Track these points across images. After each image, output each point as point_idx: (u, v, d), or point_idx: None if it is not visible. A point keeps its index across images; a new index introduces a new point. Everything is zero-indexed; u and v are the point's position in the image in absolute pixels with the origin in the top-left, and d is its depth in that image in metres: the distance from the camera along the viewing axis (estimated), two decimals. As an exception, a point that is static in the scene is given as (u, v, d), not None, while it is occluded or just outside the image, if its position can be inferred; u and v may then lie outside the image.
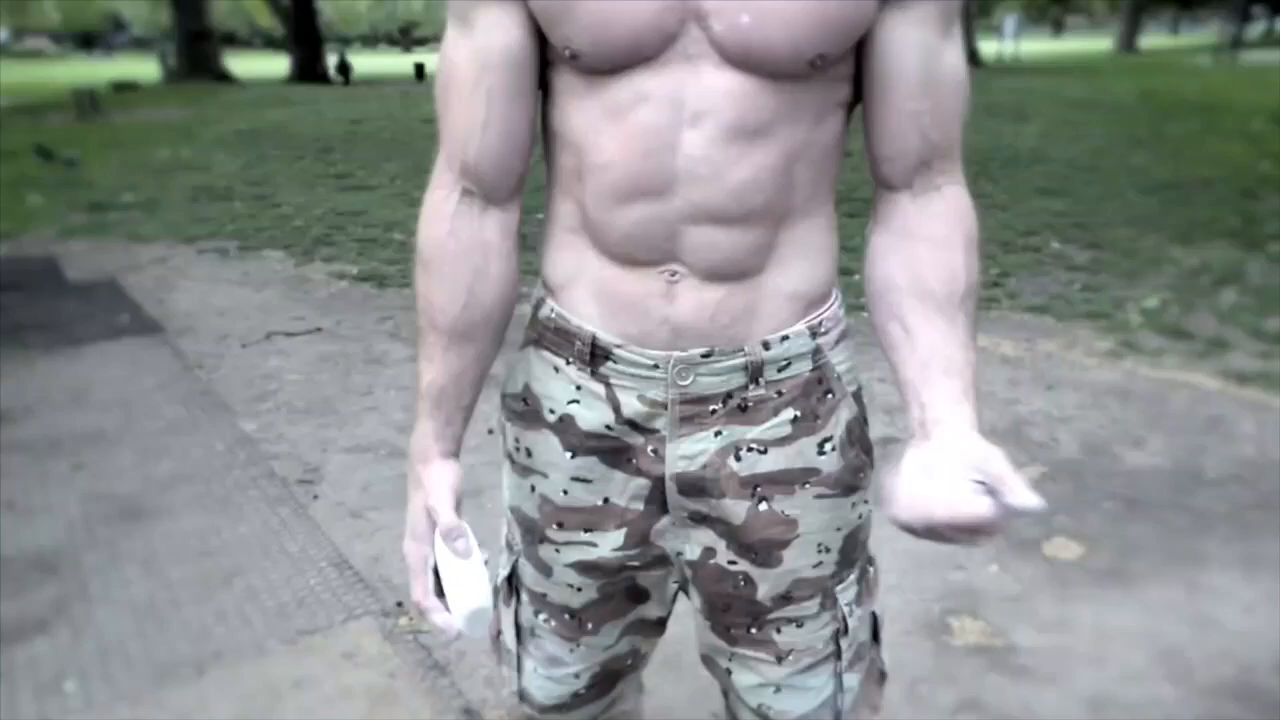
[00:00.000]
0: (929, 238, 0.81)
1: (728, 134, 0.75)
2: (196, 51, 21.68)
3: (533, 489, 0.95)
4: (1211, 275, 4.59)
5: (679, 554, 0.93)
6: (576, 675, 1.04)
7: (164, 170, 8.44)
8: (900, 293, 0.82)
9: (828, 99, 0.79)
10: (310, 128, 11.68)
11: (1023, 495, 0.68)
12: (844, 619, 0.97)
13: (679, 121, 0.76)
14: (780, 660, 0.96)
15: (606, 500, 0.91)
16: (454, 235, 0.85)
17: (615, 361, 0.85)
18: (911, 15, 0.76)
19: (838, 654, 0.97)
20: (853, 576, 0.97)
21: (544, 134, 0.86)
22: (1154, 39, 47.12)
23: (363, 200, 6.97)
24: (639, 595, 1.00)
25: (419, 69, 22.50)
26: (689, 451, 0.87)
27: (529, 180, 0.88)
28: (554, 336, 0.89)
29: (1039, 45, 40.68)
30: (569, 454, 0.90)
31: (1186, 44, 39.12)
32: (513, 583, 1.03)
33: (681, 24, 0.73)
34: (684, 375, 0.84)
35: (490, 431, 3.01)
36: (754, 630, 0.96)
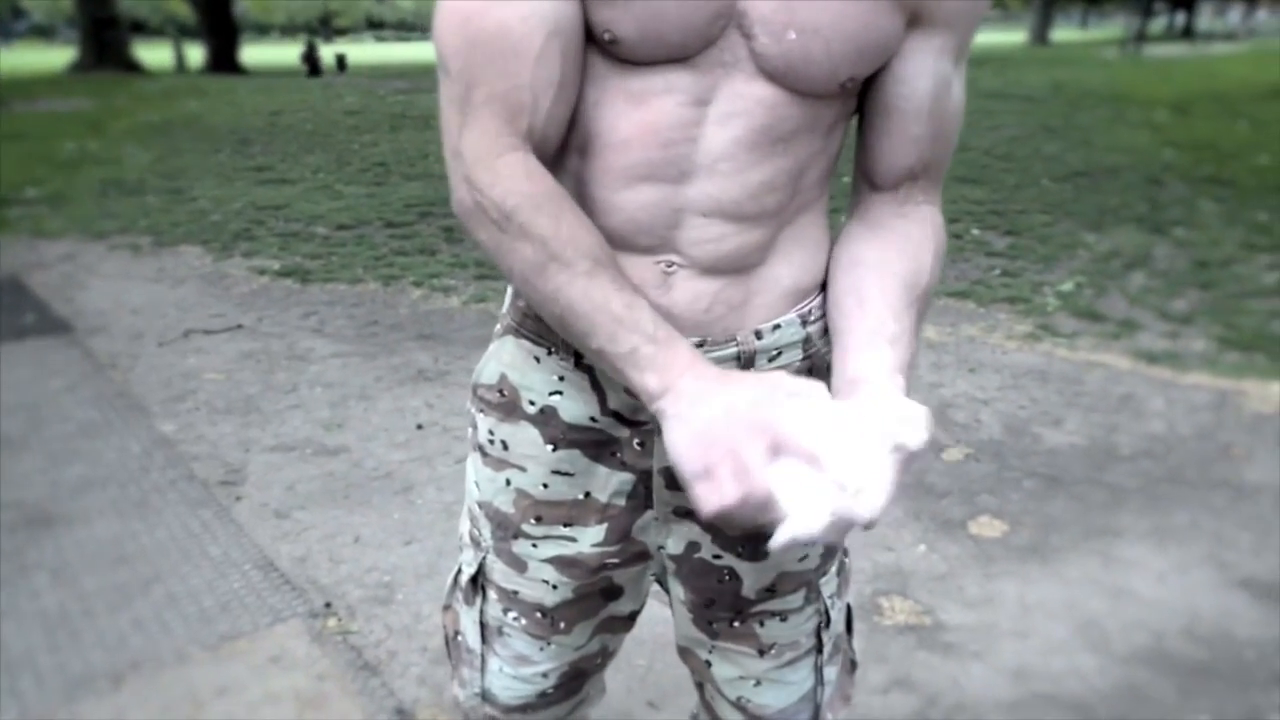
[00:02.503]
0: (903, 235, 0.84)
1: (755, 137, 0.76)
2: (103, 40, 20.82)
3: (508, 483, 0.92)
4: (1121, 260, 4.77)
5: (661, 548, 0.92)
6: (544, 675, 1.01)
7: (70, 163, 8.08)
8: (866, 269, 0.83)
9: (842, 112, 0.82)
10: (227, 119, 11.32)
11: (911, 431, 0.69)
12: (826, 612, 0.97)
13: (703, 118, 0.76)
14: (762, 653, 0.96)
15: (588, 494, 0.89)
16: (544, 179, 0.77)
17: None
18: (933, 44, 0.78)
19: (819, 647, 0.97)
20: (834, 569, 0.98)
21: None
22: (1064, 32, 48.67)
23: (284, 194, 6.78)
24: (613, 593, 0.98)
25: (340, 60, 22.01)
26: None
27: None
28: (535, 325, 0.86)
29: (956, 38, 41.52)
30: (550, 446, 0.88)
31: (1094, 37, 40.50)
32: (478, 582, 1.00)
33: (722, 31, 0.73)
34: None
35: (419, 427, 2.97)
36: (737, 624, 0.95)
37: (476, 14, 0.74)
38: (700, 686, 1.07)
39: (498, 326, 0.94)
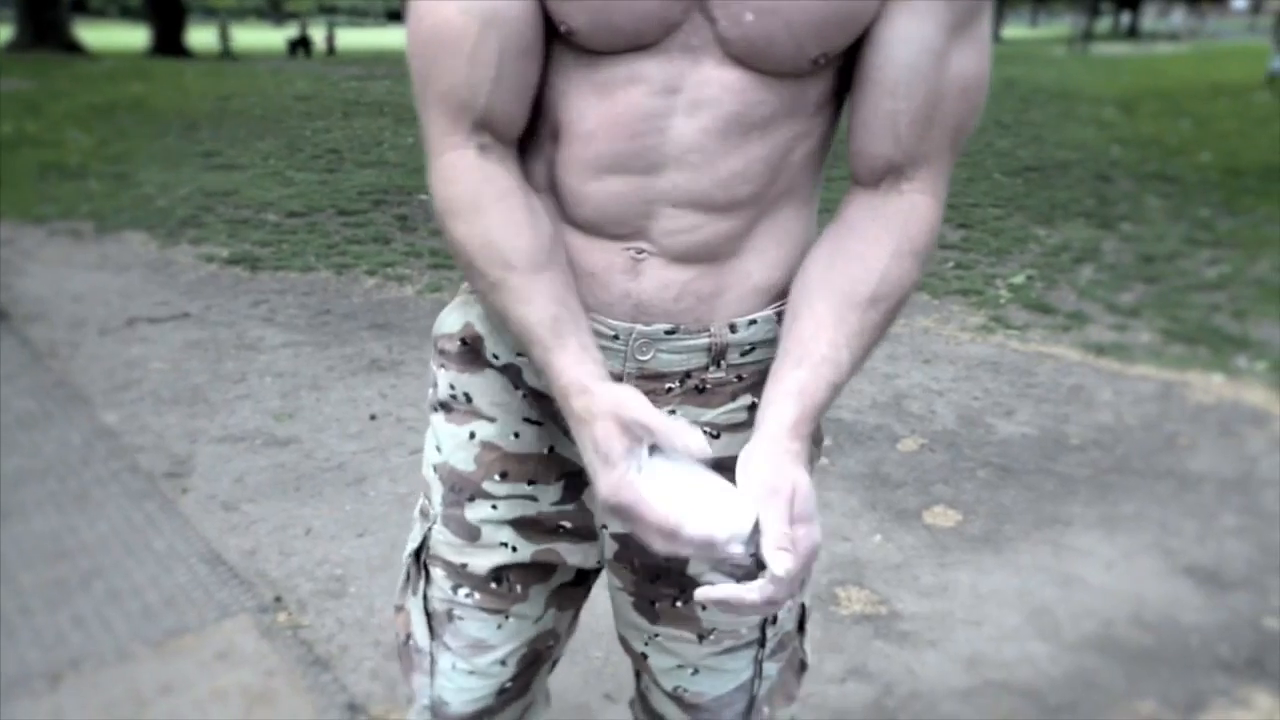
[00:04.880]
0: (860, 236, 0.78)
1: (725, 125, 0.74)
2: (41, 19, 20.16)
3: (471, 436, 0.89)
4: (1071, 253, 4.85)
5: (604, 525, 0.90)
6: (502, 662, 0.95)
7: (6, 146, 7.82)
8: (805, 283, 0.79)
9: (826, 89, 0.77)
10: (173, 103, 11.04)
11: (773, 559, 0.66)
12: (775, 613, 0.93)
13: (673, 107, 0.74)
14: (701, 639, 0.93)
15: (552, 449, 0.87)
16: (490, 181, 0.77)
17: None
18: (914, 6, 0.72)
19: (762, 641, 0.95)
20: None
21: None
22: (1014, 29, 49.48)
23: (233, 180, 6.63)
24: (563, 564, 0.94)
25: (297, 44, 21.56)
26: None
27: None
28: None
29: (911, 33, 42.05)
30: (521, 391, 0.86)
31: (1044, 35, 41.25)
32: (420, 558, 0.94)
33: (686, 15, 0.71)
34: (644, 350, 0.81)
35: (373, 417, 2.92)
36: (679, 603, 0.92)
37: (426, 12, 0.75)
38: (638, 675, 1.05)
39: (463, 287, 0.91)
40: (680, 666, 0.95)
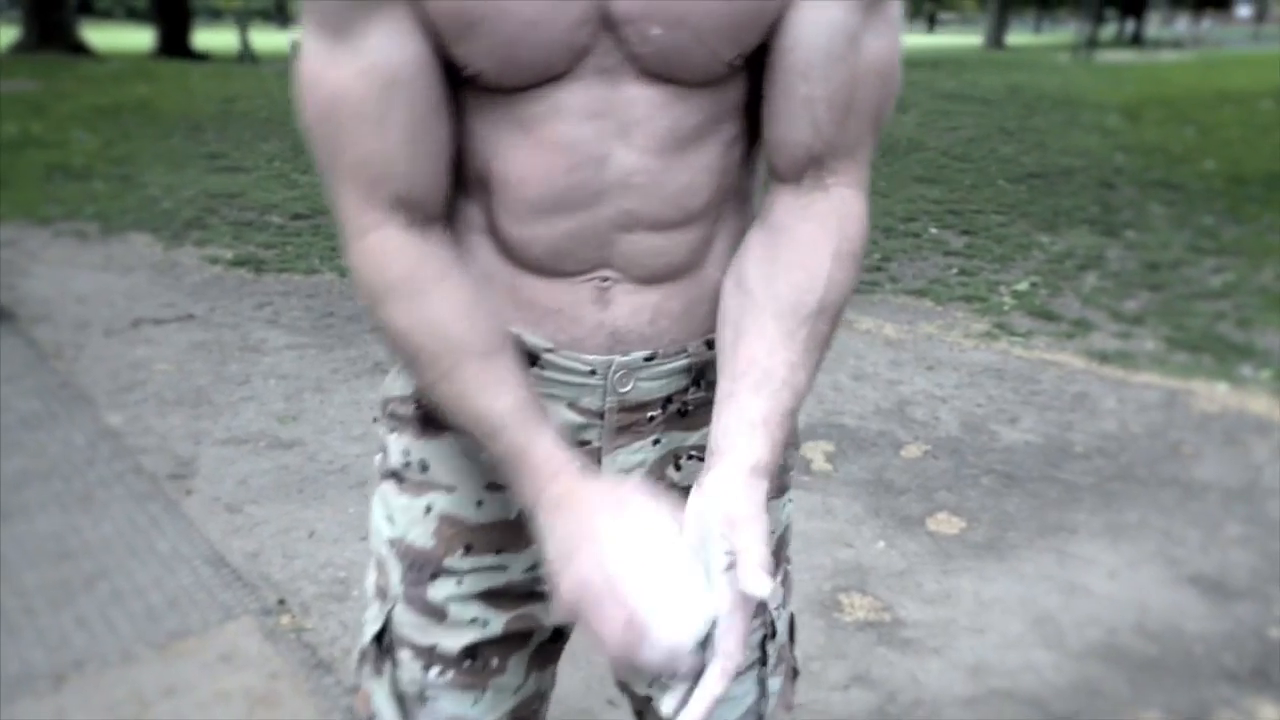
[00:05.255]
0: (796, 241, 0.74)
1: (661, 143, 0.71)
2: (47, 20, 20.21)
3: (428, 509, 0.82)
4: (1075, 260, 4.85)
5: None
6: None
7: (11, 146, 7.83)
8: (746, 294, 0.74)
9: (746, 87, 0.74)
10: (179, 105, 11.07)
11: (754, 580, 0.61)
12: (772, 623, 0.93)
13: (604, 134, 0.70)
14: None
15: (520, 514, 0.79)
16: (424, 261, 0.72)
17: (544, 367, 0.76)
18: None
19: (764, 659, 0.93)
20: (779, 579, 0.93)
21: None
22: (1019, 36, 49.53)
23: (238, 182, 6.64)
24: (540, 627, 0.88)
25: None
26: (626, 464, 0.80)
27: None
28: None
29: (914, 39, 42.21)
30: (484, 454, 0.78)
31: (1048, 42, 41.27)
32: (383, 641, 0.86)
33: (594, 38, 0.67)
34: (624, 382, 0.77)
35: (376, 420, 2.92)
36: None
37: (316, 81, 0.69)
38: (639, 715, 0.99)
39: None
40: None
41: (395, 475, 0.84)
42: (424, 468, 0.82)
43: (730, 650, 0.63)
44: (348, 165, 0.70)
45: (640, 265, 0.75)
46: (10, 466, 2.56)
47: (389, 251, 0.71)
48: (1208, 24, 54.96)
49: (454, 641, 0.83)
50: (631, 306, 0.75)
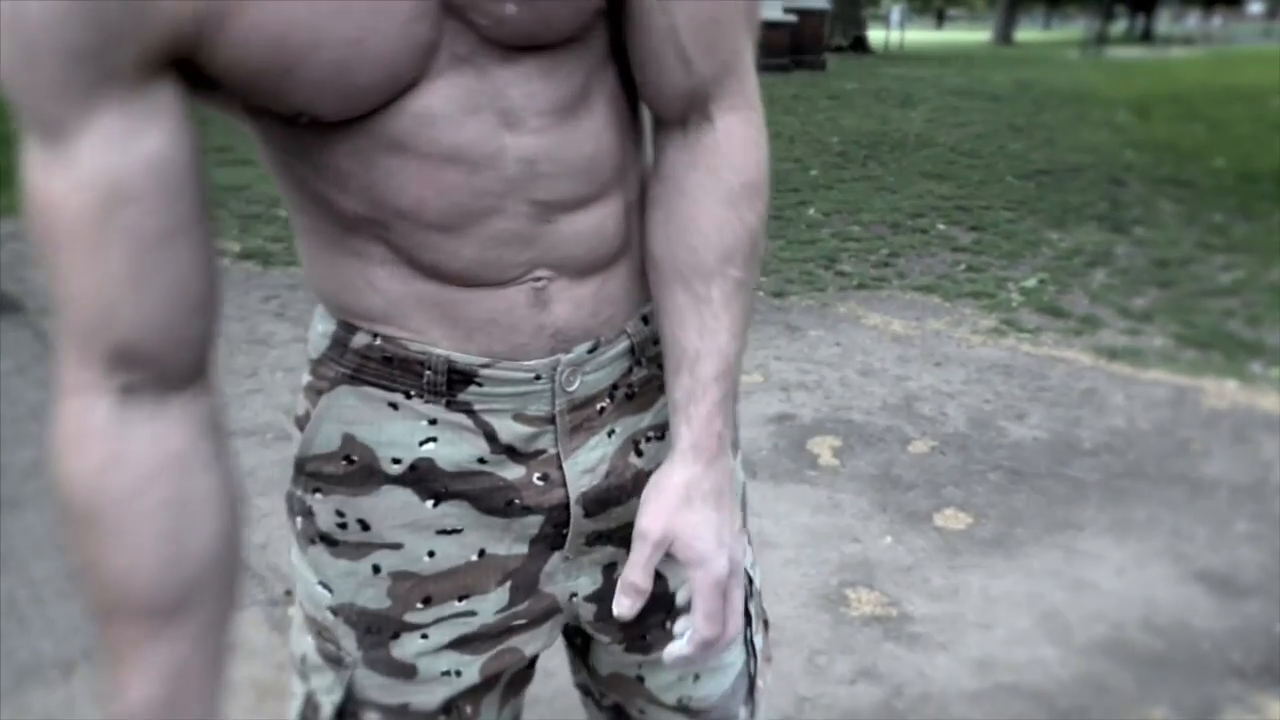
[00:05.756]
0: (685, 194, 0.69)
1: (552, 119, 0.63)
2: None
3: (376, 570, 0.73)
4: (1083, 257, 4.83)
5: (573, 595, 0.80)
6: None
7: (18, 140, 7.85)
8: (654, 267, 0.71)
9: (607, 35, 0.67)
10: (185, 98, 11.08)
11: (615, 601, 0.68)
12: (750, 580, 0.90)
13: (489, 129, 0.62)
14: None
15: (483, 553, 0.74)
16: (121, 463, 0.57)
17: (481, 384, 0.69)
18: None
19: (748, 620, 0.91)
20: (745, 536, 0.89)
21: (279, 175, 0.67)
22: (1027, 32, 49.35)
23: (245, 175, 6.65)
24: (520, 658, 0.83)
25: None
26: (588, 463, 0.75)
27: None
28: (382, 368, 0.69)
29: (923, 35, 42.07)
30: (430, 502, 0.72)
31: (1057, 38, 41.12)
32: (347, 713, 0.78)
33: (436, 29, 0.58)
34: (571, 380, 0.71)
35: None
36: (669, 623, 0.85)
37: (31, 193, 0.55)
38: (619, 709, 0.95)
39: (309, 379, 0.74)
40: (681, 678, 0.90)
41: (326, 539, 0.74)
42: (364, 526, 0.73)
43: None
44: (62, 302, 0.55)
45: (573, 257, 0.69)
46: (19, 458, 2.57)
47: (84, 432, 0.56)
48: (1219, 20, 54.66)
49: (428, 698, 0.78)
50: (573, 302, 0.70)
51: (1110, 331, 3.77)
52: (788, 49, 15.35)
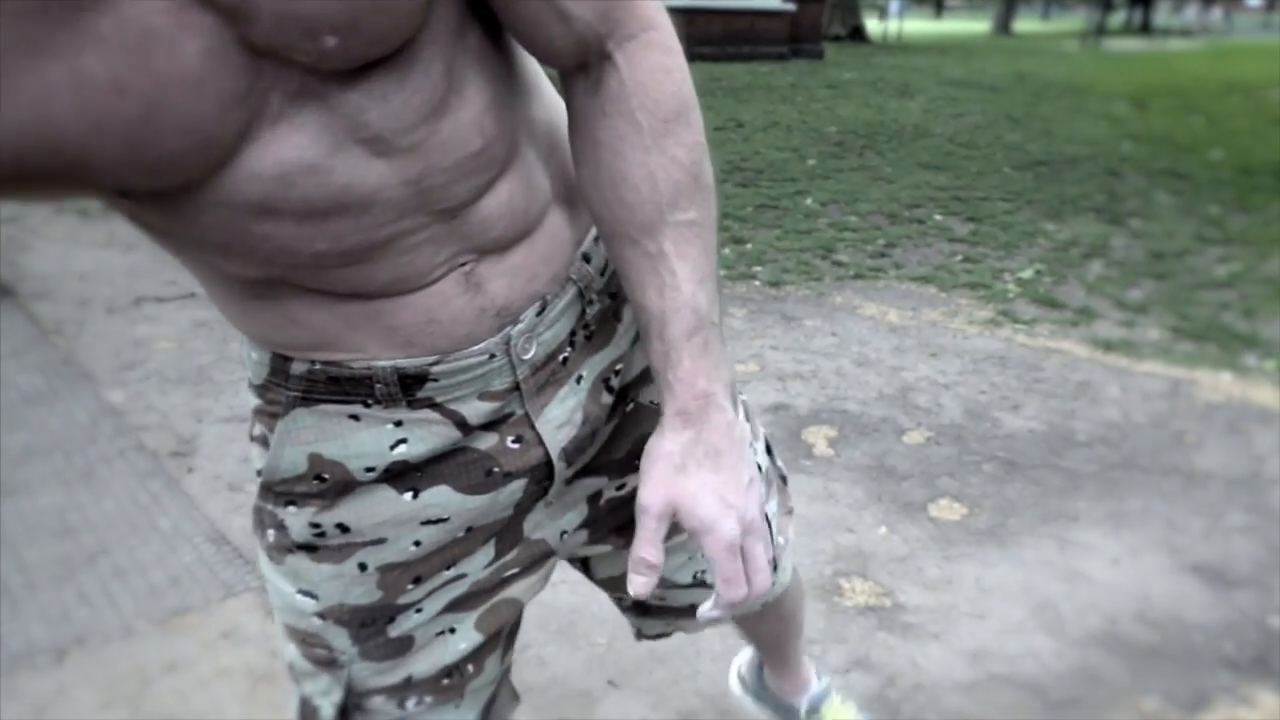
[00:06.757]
0: (606, 147, 0.63)
1: (426, 129, 0.57)
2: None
3: (363, 568, 0.73)
4: (1080, 249, 4.83)
5: (564, 533, 0.82)
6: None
7: None
8: (600, 221, 0.67)
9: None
10: (180, 82, 11.01)
11: (629, 580, 0.67)
12: (769, 450, 0.91)
13: (358, 161, 0.55)
14: None
15: (469, 529, 0.75)
16: None
17: (438, 379, 0.67)
18: None
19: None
20: (742, 415, 0.87)
21: (155, 243, 0.63)
22: (1026, 23, 49.22)
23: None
24: (517, 604, 0.84)
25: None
26: (561, 415, 0.73)
27: None
28: (331, 386, 0.68)
29: (921, 25, 41.93)
30: (409, 494, 0.71)
31: (1055, 29, 41.01)
32: (349, 708, 0.79)
33: (250, 74, 0.50)
34: (526, 348, 0.69)
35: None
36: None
37: None
38: (638, 603, 0.98)
39: (257, 402, 0.72)
40: (691, 559, 0.91)
41: (306, 547, 0.74)
42: (344, 529, 0.72)
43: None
44: None
45: (491, 238, 0.65)
46: (12, 442, 2.55)
47: None
48: (1217, 13, 54.61)
49: (427, 665, 0.79)
50: (506, 275, 0.67)
51: (1106, 323, 3.77)
52: (786, 38, 15.30)
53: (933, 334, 3.62)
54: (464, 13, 0.58)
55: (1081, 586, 2.07)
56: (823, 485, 2.47)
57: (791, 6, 15.54)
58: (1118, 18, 43.69)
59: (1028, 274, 4.38)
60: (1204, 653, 1.87)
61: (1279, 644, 1.89)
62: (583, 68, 0.63)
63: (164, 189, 0.53)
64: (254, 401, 0.72)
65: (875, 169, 6.65)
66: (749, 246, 4.67)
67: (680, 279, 0.64)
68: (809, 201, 5.66)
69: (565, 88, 0.66)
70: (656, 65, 0.62)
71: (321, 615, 0.75)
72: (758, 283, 4.14)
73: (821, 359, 3.31)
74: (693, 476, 0.66)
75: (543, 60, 0.63)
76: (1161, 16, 49.75)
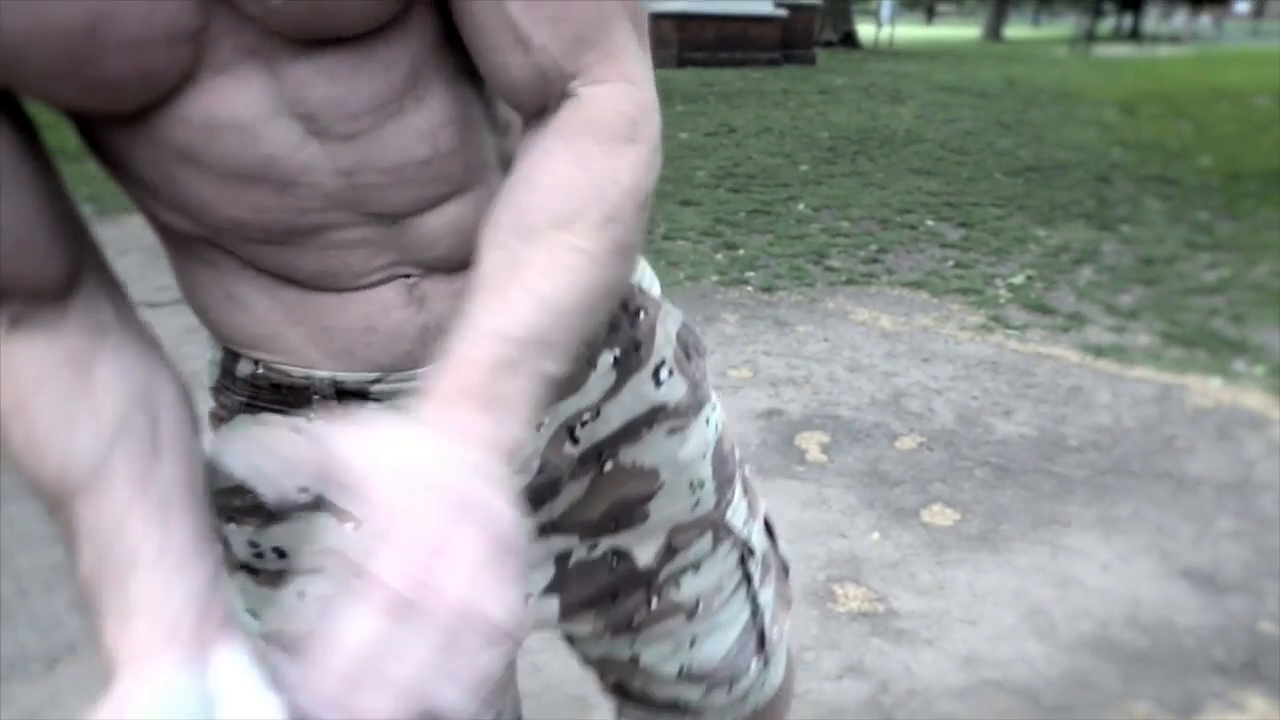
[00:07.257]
0: (532, 158, 0.56)
1: (370, 122, 0.55)
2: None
3: (301, 595, 0.67)
4: (1070, 254, 4.86)
5: (527, 596, 0.72)
6: None
7: None
8: (478, 239, 0.58)
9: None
10: (172, 86, 10.99)
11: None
12: (744, 542, 0.87)
13: (294, 137, 0.54)
14: (691, 615, 0.85)
15: None
16: (28, 364, 0.58)
17: (377, 399, 0.64)
18: None
19: (748, 579, 0.88)
20: (737, 492, 0.85)
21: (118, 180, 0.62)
22: (1017, 29, 49.47)
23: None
24: None
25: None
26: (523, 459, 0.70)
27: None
28: (273, 394, 0.67)
29: (913, 30, 42.13)
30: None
31: (1046, 35, 41.25)
32: None
33: (203, 14, 0.50)
34: None
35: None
36: (654, 603, 0.84)
37: None
38: (619, 688, 0.93)
39: (212, 404, 0.72)
40: (676, 649, 0.88)
41: (247, 568, 0.72)
42: (281, 554, 0.70)
43: None
44: None
45: (436, 256, 0.62)
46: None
47: None
48: (1206, 19, 54.98)
49: None
50: (452, 297, 0.62)
51: (1096, 329, 3.79)
52: (778, 44, 15.35)
53: (924, 339, 3.63)
54: (445, 33, 0.56)
55: (1073, 592, 2.08)
56: (815, 491, 2.48)
57: (784, 12, 15.59)
58: (1107, 24, 43.95)
59: (1019, 280, 4.40)
60: (1195, 658, 1.88)
61: (1270, 649, 1.90)
62: (538, 116, 0.57)
63: (96, 112, 0.52)
64: (209, 405, 0.72)
65: (867, 174, 6.68)
66: (741, 252, 4.69)
67: (553, 288, 0.52)
68: (801, 207, 5.68)
69: (524, 131, 0.60)
70: (618, 112, 0.56)
71: (265, 637, 0.73)
72: (750, 288, 4.15)
73: (814, 364, 3.33)
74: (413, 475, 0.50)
75: (503, 95, 0.58)
76: (1150, 23, 50.08)
